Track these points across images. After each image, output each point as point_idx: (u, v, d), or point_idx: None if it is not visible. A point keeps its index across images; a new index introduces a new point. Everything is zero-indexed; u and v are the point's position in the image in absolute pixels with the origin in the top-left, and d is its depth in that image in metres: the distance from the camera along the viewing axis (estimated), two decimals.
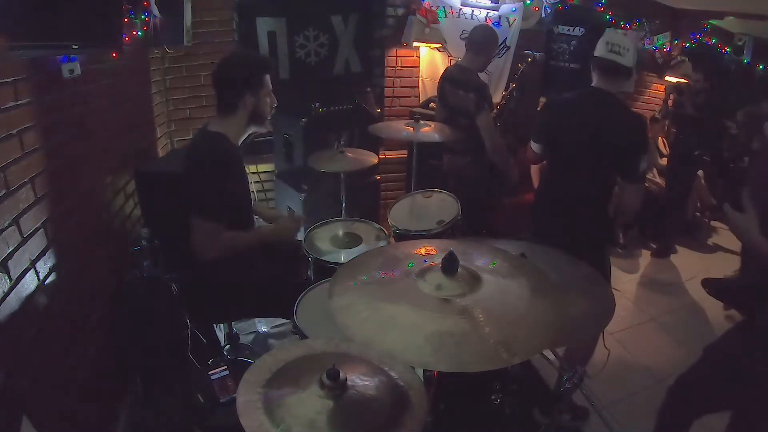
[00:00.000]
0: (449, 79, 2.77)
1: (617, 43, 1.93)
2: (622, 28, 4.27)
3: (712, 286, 3.27)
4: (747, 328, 1.71)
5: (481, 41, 2.70)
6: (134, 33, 2.28)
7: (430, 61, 3.82)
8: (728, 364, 1.63)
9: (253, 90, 1.82)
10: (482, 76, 2.83)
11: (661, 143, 4.69)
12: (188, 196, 1.76)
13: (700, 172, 4.57)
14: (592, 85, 2.03)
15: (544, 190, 2.25)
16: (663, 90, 5.22)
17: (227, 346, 2.38)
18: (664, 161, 4.64)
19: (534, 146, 2.22)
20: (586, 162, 2.00)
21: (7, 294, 1.24)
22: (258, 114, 1.87)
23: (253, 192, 3.30)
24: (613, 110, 1.96)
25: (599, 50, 1.97)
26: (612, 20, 4.10)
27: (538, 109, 3.49)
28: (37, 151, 1.44)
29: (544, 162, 2.37)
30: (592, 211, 2.06)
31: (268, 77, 1.87)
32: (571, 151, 2.04)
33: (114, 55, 1.89)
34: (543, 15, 3.93)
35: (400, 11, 3.63)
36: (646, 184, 4.29)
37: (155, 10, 2.37)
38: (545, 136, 2.17)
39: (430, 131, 2.60)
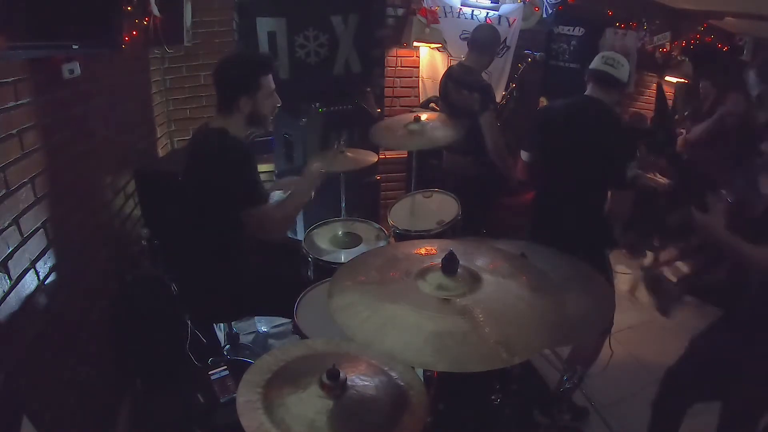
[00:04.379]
0: (453, 79, 2.78)
1: (613, 57, 2.02)
2: (622, 28, 4.27)
3: (685, 285, 3.27)
4: (726, 322, 1.75)
5: (486, 41, 2.70)
6: (134, 33, 2.28)
7: (430, 61, 3.82)
8: (712, 355, 1.69)
9: (250, 92, 1.78)
10: (483, 75, 2.83)
11: None
12: (226, 195, 1.74)
13: None
14: (585, 93, 2.07)
15: (539, 198, 2.27)
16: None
17: (227, 346, 2.38)
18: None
19: (523, 155, 2.24)
20: (577, 168, 2.02)
21: (7, 294, 1.24)
22: (256, 115, 1.84)
23: None
24: (602, 118, 2.00)
25: (595, 63, 2.04)
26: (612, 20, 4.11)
27: (537, 110, 3.50)
28: (37, 151, 1.44)
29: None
30: (587, 216, 2.08)
31: (268, 78, 1.83)
32: (562, 157, 2.07)
33: (114, 55, 1.89)
34: (543, 15, 3.93)
35: (400, 11, 3.63)
36: (646, 184, 4.32)
37: (155, 10, 2.36)
38: (537, 143, 2.19)
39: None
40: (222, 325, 2.42)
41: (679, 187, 3.38)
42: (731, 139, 3.25)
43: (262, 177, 3.41)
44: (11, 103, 1.32)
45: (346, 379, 1.05)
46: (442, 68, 3.70)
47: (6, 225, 1.26)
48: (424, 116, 2.51)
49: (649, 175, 4.42)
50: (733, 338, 1.63)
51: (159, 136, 2.97)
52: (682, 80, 4.81)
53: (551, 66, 4.23)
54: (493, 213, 3.14)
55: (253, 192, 1.76)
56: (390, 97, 3.83)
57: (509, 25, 3.79)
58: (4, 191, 1.26)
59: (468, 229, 2.32)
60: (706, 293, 2.97)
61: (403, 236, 2.19)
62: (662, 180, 4.47)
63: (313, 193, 1.95)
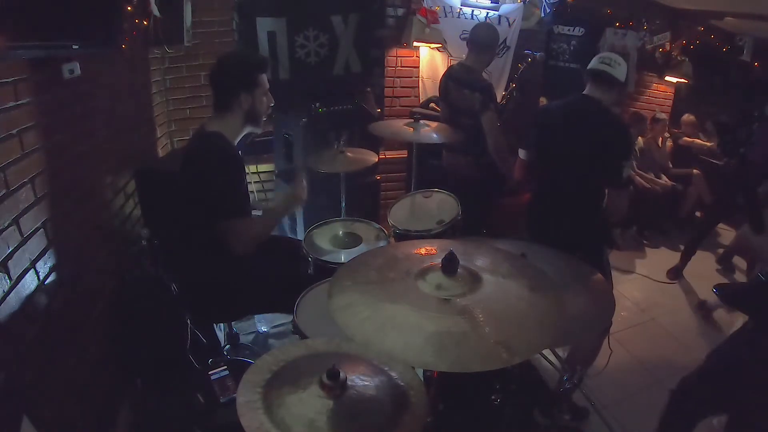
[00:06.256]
0: (453, 78, 2.77)
1: (610, 57, 2.03)
2: (621, 28, 4.28)
3: (724, 292, 3.22)
4: (756, 331, 1.70)
5: (485, 40, 2.70)
6: (134, 33, 2.28)
7: (430, 61, 3.82)
8: (735, 367, 1.64)
9: (249, 89, 1.82)
10: (483, 75, 2.83)
11: (660, 142, 4.69)
12: (206, 201, 1.76)
13: (697, 171, 4.58)
14: (583, 93, 2.08)
15: (537, 196, 2.27)
16: (663, 90, 5.22)
17: (227, 346, 2.38)
18: (664, 161, 4.65)
19: (521, 153, 2.24)
20: (573, 167, 2.03)
21: (7, 294, 1.24)
22: (254, 113, 1.87)
23: (252, 192, 3.30)
24: (599, 117, 2.01)
25: (593, 63, 2.05)
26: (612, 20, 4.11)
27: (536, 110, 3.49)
28: (37, 151, 1.44)
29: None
30: (584, 214, 2.08)
31: (264, 77, 1.88)
32: (560, 156, 2.07)
33: (114, 55, 1.90)
34: (543, 15, 3.93)
35: (400, 11, 3.63)
36: (646, 184, 4.32)
37: (155, 10, 2.37)
38: (535, 142, 2.20)
39: (429, 131, 2.60)
40: (222, 325, 2.42)
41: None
42: None
43: (262, 177, 3.46)
44: (11, 103, 1.32)
45: (346, 379, 1.05)
46: (442, 68, 3.70)
47: (6, 225, 1.26)
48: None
49: (648, 176, 4.45)
50: (762, 350, 1.59)
51: (159, 136, 2.97)
52: (682, 80, 4.82)
53: (551, 66, 4.23)
54: (493, 213, 3.14)
55: (237, 204, 1.79)
56: (390, 97, 3.83)
57: (509, 25, 3.79)
58: (4, 191, 1.26)
59: (468, 229, 2.32)
60: (736, 299, 2.94)
61: (403, 236, 2.19)
62: (662, 182, 4.49)
63: (298, 203, 2.01)
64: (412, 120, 2.67)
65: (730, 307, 3.10)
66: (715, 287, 3.05)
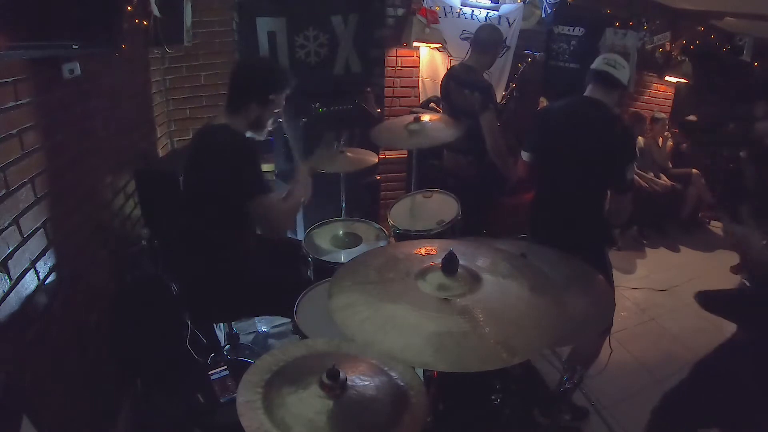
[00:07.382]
0: (455, 79, 2.77)
1: (614, 58, 2.02)
2: (621, 28, 4.28)
3: (705, 299, 3.16)
4: (744, 342, 1.66)
5: (489, 40, 2.70)
6: (134, 33, 2.28)
7: (430, 61, 3.82)
8: (722, 380, 1.60)
9: (260, 102, 1.82)
10: (484, 75, 2.83)
11: (661, 142, 4.69)
12: (228, 186, 1.74)
13: (696, 171, 4.59)
14: (584, 94, 2.07)
15: (538, 197, 2.27)
16: (663, 90, 5.23)
17: (227, 346, 2.38)
18: (664, 161, 4.65)
19: (524, 155, 2.24)
20: (575, 169, 2.02)
21: (7, 294, 1.24)
22: (258, 123, 1.88)
23: None
24: (602, 119, 2.00)
25: (596, 63, 2.04)
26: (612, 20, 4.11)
27: (537, 109, 3.49)
28: (37, 151, 1.44)
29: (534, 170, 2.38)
30: (586, 215, 2.08)
31: (281, 96, 1.86)
32: (562, 158, 2.07)
33: (114, 55, 1.90)
34: (543, 15, 3.93)
35: (400, 11, 3.63)
36: (646, 184, 4.32)
37: (155, 10, 2.37)
38: (537, 143, 2.19)
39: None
40: (222, 325, 2.42)
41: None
42: None
43: None
44: (11, 103, 1.32)
45: (346, 379, 1.05)
46: (442, 68, 3.70)
47: (6, 225, 1.26)
48: (425, 117, 2.51)
49: (648, 176, 4.45)
50: (751, 361, 1.55)
51: (159, 136, 2.97)
52: (682, 80, 4.82)
53: (551, 66, 4.23)
54: (493, 213, 3.14)
55: (260, 181, 1.78)
56: (390, 97, 3.83)
57: (509, 25, 3.79)
58: (4, 191, 1.26)
59: (468, 229, 2.32)
60: (729, 311, 2.87)
61: (403, 236, 2.19)
62: (661, 182, 4.49)
63: (309, 192, 1.97)
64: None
65: (715, 314, 3.04)
66: (696, 294, 3.01)
